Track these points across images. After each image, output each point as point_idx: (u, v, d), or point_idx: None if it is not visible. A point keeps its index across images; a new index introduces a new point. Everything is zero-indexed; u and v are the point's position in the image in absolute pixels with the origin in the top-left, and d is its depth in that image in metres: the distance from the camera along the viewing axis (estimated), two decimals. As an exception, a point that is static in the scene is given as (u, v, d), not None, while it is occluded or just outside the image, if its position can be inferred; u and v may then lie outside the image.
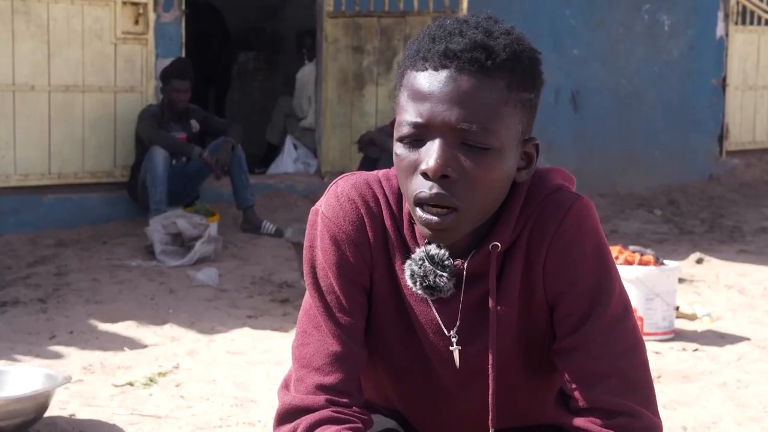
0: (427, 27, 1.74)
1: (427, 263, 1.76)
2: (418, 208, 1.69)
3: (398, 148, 1.70)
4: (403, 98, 1.70)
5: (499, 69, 1.66)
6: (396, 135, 1.71)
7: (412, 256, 1.78)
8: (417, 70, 1.68)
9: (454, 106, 1.65)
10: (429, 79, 1.67)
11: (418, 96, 1.67)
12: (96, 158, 7.36)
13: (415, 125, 1.67)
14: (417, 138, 1.68)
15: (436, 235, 1.71)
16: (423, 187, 1.67)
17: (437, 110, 1.65)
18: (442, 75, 1.66)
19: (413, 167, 1.68)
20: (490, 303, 1.76)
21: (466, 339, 1.79)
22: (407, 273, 1.78)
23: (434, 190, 1.66)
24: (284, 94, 10.04)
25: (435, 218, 1.68)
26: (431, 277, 1.76)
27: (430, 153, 1.66)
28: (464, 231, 1.72)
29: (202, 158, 7.10)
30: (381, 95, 8.13)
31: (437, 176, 1.66)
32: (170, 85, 7.19)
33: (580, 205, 1.74)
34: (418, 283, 1.77)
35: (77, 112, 7.26)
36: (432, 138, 1.67)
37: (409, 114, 1.68)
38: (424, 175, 1.67)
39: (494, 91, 1.66)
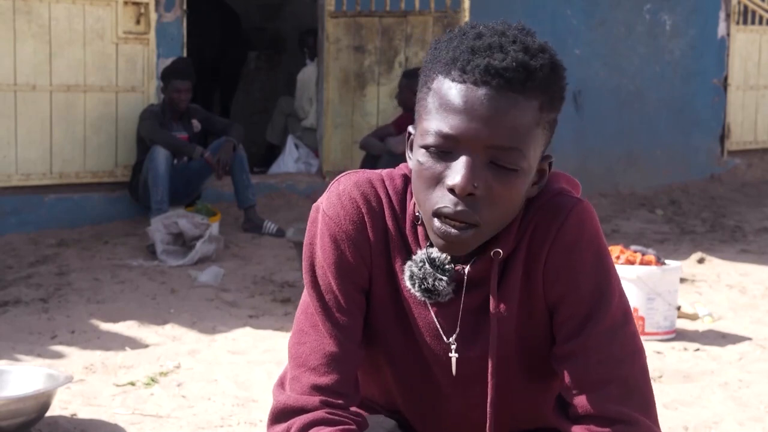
0: (459, 30, 1.70)
1: (427, 266, 1.75)
2: (435, 219, 1.67)
3: (421, 156, 1.67)
4: (432, 105, 1.66)
5: (536, 90, 1.64)
6: (420, 142, 1.67)
7: (413, 257, 1.76)
8: (453, 80, 1.64)
9: (490, 126, 1.62)
10: (467, 93, 1.63)
11: (452, 108, 1.63)
12: (97, 158, 7.36)
13: (446, 137, 1.64)
14: (444, 149, 1.65)
15: (450, 246, 1.69)
16: (446, 202, 1.65)
17: (472, 127, 1.62)
18: (482, 92, 1.62)
19: (436, 179, 1.66)
20: (491, 309, 1.75)
21: (465, 345, 1.78)
22: (407, 274, 1.77)
23: (459, 207, 1.64)
24: (285, 94, 10.03)
25: (454, 231, 1.66)
26: (430, 280, 1.74)
27: (459, 169, 1.63)
28: (477, 245, 1.71)
29: (203, 158, 7.10)
30: (382, 95, 8.13)
31: (464, 194, 1.63)
32: (171, 85, 7.18)
33: (581, 209, 1.73)
34: (417, 285, 1.76)
35: (79, 111, 7.26)
36: (461, 153, 1.64)
37: (439, 124, 1.64)
38: (451, 190, 1.64)
39: (529, 113, 1.64)
